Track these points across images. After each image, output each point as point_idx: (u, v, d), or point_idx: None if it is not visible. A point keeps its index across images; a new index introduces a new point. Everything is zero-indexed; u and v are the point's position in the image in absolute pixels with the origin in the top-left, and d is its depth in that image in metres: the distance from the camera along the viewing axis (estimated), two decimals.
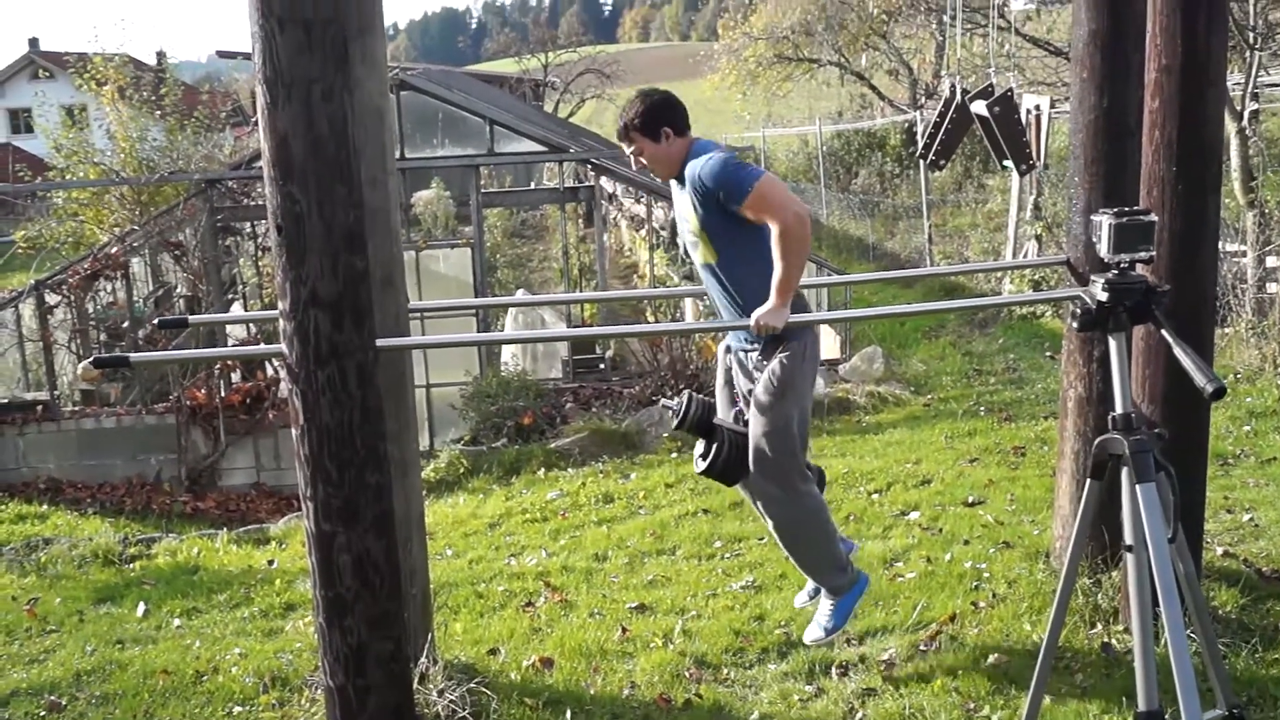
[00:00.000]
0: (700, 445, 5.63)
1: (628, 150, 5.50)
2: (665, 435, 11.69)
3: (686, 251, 5.71)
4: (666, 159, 5.40)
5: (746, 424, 5.47)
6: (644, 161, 5.46)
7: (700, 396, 5.62)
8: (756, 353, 5.45)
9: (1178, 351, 4.00)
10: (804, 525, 5.52)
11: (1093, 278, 4.24)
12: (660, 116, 5.36)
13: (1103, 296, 4.16)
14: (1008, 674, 5.60)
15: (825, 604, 5.77)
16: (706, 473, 5.60)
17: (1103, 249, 4.18)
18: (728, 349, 5.76)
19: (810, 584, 6.08)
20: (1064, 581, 4.32)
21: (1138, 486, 3.94)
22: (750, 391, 5.49)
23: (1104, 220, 4.17)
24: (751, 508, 5.93)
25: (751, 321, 4.99)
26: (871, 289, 18.96)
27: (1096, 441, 4.15)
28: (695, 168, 5.20)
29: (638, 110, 5.38)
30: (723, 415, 5.70)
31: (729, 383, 5.78)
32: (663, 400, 6.00)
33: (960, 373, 13.72)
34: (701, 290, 5.98)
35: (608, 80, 53.65)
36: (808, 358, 5.36)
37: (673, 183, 5.50)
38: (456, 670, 5.94)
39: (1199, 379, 3.91)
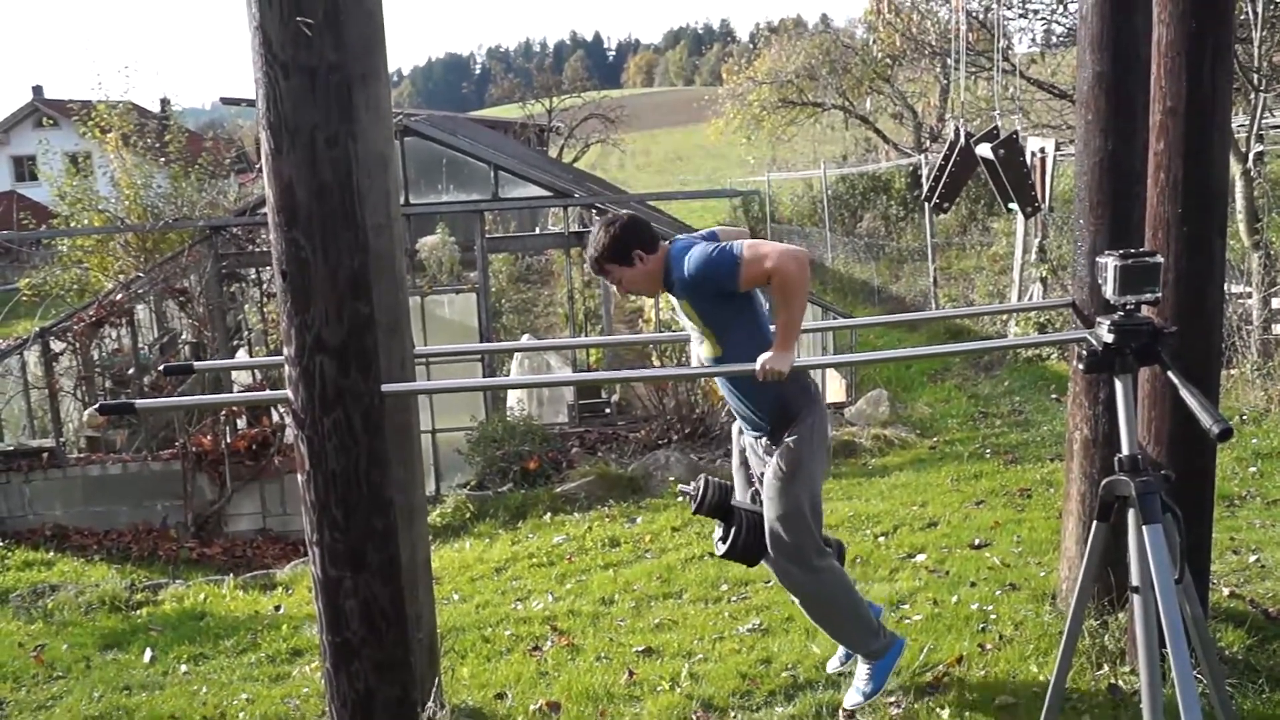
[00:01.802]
0: (719, 529, 5.65)
1: (606, 280, 5.48)
2: (672, 479, 11.68)
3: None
4: (647, 278, 5.37)
5: (763, 504, 5.47)
6: (625, 289, 5.46)
7: (716, 480, 5.64)
8: (765, 439, 5.48)
9: (1184, 393, 4.01)
10: (829, 599, 5.53)
11: (1099, 319, 4.25)
12: (628, 242, 5.30)
13: (1109, 338, 4.17)
14: (1015, 716, 5.59)
15: (862, 669, 5.75)
16: (727, 555, 5.61)
17: (1109, 290, 4.18)
18: (741, 431, 5.78)
19: (841, 650, 6.10)
20: (1071, 623, 4.31)
21: (1144, 528, 3.94)
22: (763, 474, 5.50)
23: (1110, 262, 4.18)
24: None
25: (757, 367, 4.97)
26: (877, 332, 18.96)
27: (1103, 483, 4.15)
28: (681, 272, 5.16)
29: (604, 243, 5.32)
30: (740, 496, 5.72)
31: (744, 463, 5.79)
32: (680, 485, 5.98)
33: (966, 415, 13.71)
34: None
35: (612, 125, 53.76)
36: (815, 437, 5.37)
37: (669, 296, 5.46)
38: (464, 715, 5.94)
39: (1205, 420, 3.91)
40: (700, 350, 5.45)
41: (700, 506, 5.55)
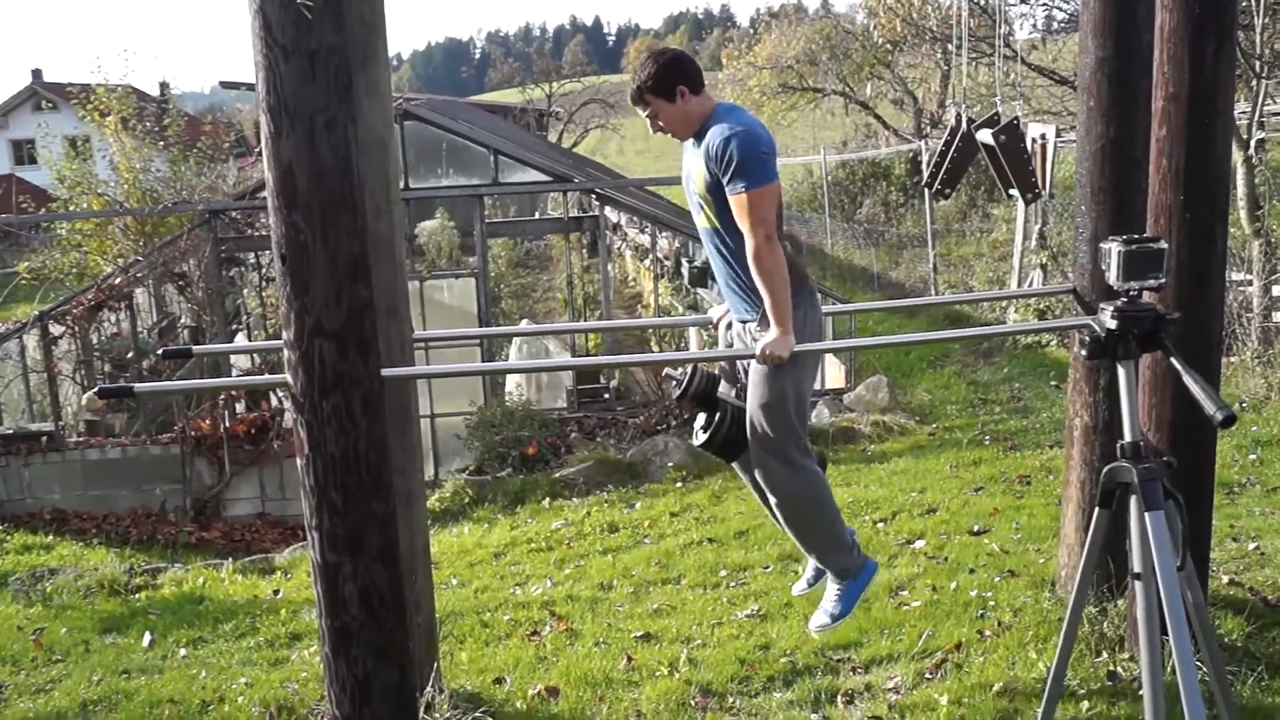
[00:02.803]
0: (701, 418, 5.50)
1: (643, 113, 5.30)
2: (670, 465, 11.68)
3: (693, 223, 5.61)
4: (684, 118, 5.22)
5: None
6: (661, 124, 5.27)
7: (704, 369, 5.51)
8: (755, 323, 5.29)
9: (1187, 379, 3.99)
10: (806, 500, 5.36)
11: (1102, 306, 4.23)
12: (675, 75, 5.16)
13: (1112, 324, 4.15)
14: (1013, 702, 5.58)
15: (832, 588, 5.60)
16: (706, 445, 5.46)
17: (1112, 276, 4.17)
18: (728, 325, 5.67)
19: (810, 569, 5.93)
20: (1072, 610, 4.31)
21: (1147, 515, 3.93)
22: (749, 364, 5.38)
23: (1113, 248, 4.15)
24: (760, 503, 5.83)
25: (757, 351, 4.94)
26: (876, 318, 18.95)
27: (1105, 470, 4.14)
28: (719, 133, 5.02)
29: (651, 71, 5.17)
30: (725, 390, 5.60)
31: (731, 361, 5.70)
32: (666, 370, 5.89)
33: (965, 402, 13.71)
34: (705, 319, 5.96)
35: (611, 110, 53.78)
36: (808, 328, 5.19)
37: (688, 141, 5.32)
38: (462, 699, 5.94)
39: (1209, 407, 3.89)
40: (698, 219, 5.34)
41: (685, 392, 5.41)
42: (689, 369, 5.51)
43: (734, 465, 5.67)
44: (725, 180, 4.98)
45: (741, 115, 5.18)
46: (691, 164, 5.27)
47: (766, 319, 5.09)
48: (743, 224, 4.94)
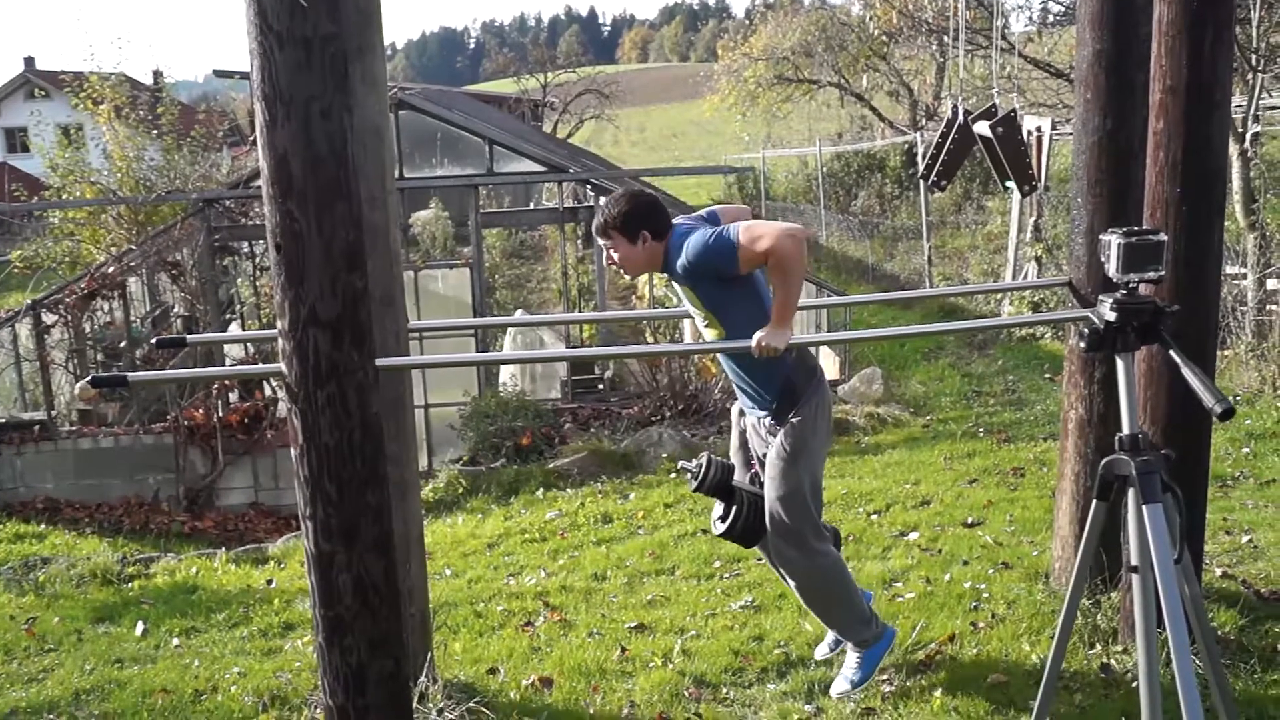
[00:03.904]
0: (719, 507, 5.64)
1: (602, 243, 5.41)
2: (664, 456, 11.68)
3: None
4: (644, 260, 5.32)
5: (763, 485, 5.45)
6: (615, 259, 5.37)
7: (719, 459, 5.63)
8: (769, 418, 5.42)
9: (1186, 372, 3.98)
10: (824, 584, 5.52)
11: (1100, 298, 4.22)
12: (642, 221, 5.24)
13: (1111, 317, 4.14)
14: (1007, 694, 5.58)
15: (851, 657, 5.74)
16: (726, 535, 5.60)
17: (1111, 268, 4.15)
18: (741, 413, 5.75)
19: (830, 636, 6.05)
20: (1068, 602, 4.30)
21: (1144, 508, 3.92)
22: (765, 455, 5.48)
23: (1113, 240, 4.14)
24: (777, 575, 5.93)
25: (753, 343, 4.95)
26: (871, 310, 18.96)
27: (1103, 463, 4.13)
28: (681, 259, 5.11)
29: (621, 210, 5.27)
30: (739, 477, 5.68)
31: (744, 445, 5.76)
32: (681, 462, 5.94)
33: (959, 394, 13.71)
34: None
35: (607, 101, 53.75)
36: (820, 417, 5.35)
37: (672, 283, 5.42)
38: (456, 690, 5.93)
39: (1208, 399, 3.88)
40: (706, 334, 5.41)
41: (702, 485, 5.54)
42: (703, 460, 5.62)
43: (756, 546, 5.77)
44: (725, 267, 5.03)
45: (680, 229, 5.30)
46: (684, 294, 5.38)
47: (781, 414, 5.32)
48: (759, 249, 4.91)
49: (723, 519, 5.58)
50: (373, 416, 4.58)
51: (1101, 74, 5.97)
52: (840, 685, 5.72)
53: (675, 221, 5.39)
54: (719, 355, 5.59)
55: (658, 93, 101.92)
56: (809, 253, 5.26)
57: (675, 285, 5.40)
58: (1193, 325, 5.40)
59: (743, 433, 5.75)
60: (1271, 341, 11.95)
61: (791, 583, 5.59)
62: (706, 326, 5.36)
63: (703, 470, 5.53)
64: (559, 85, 55.83)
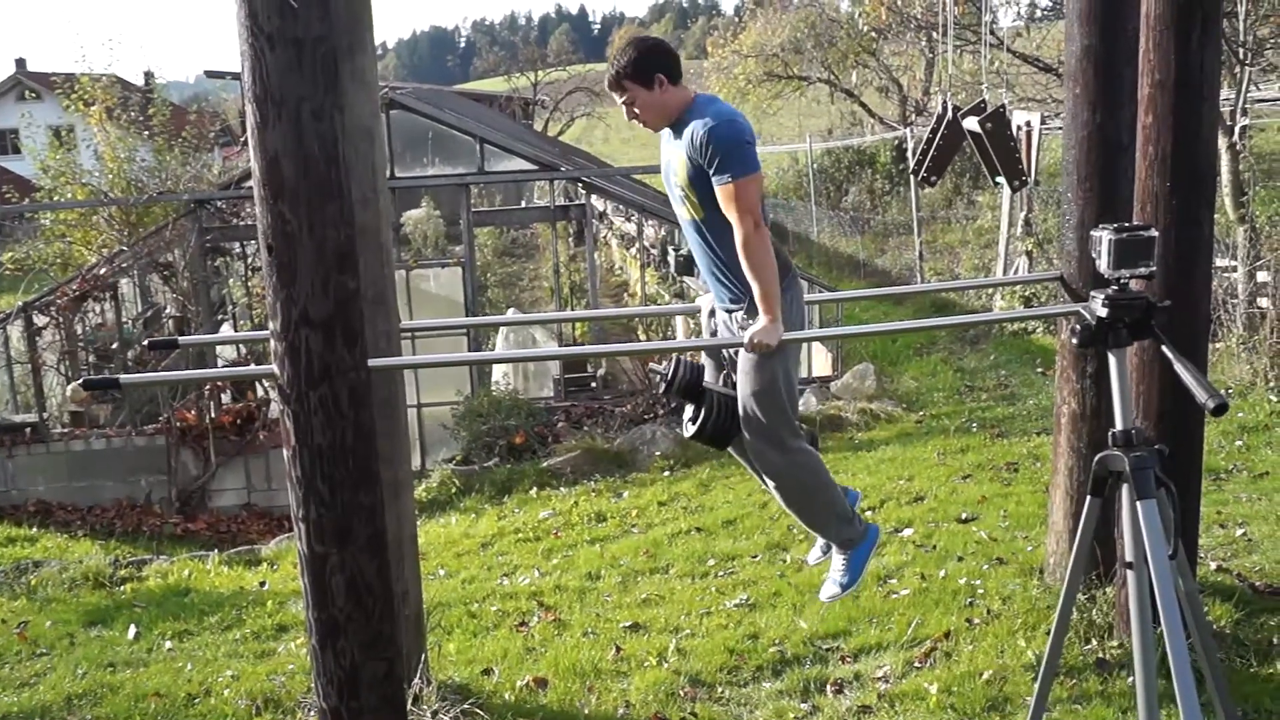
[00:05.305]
0: (689, 409, 5.51)
1: (619, 100, 5.27)
2: (658, 454, 11.67)
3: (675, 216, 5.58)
4: (660, 107, 5.20)
5: (734, 385, 5.37)
6: (636, 111, 5.24)
7: (688, 360, 5.51)
8: (740, 312, 5.27)
9: (1178, 367, 3.99)
10: (803, 481, 5.43)
11: (1092, 294, 4.22)
12: (654, 63, 5.14)
13: (1102, 312, 4.14)
14: (1002, 690, 5.59)
15: (838, 559, 5.68)
16: (696, 437, 5.48)
17: (1103, 264, 4.16)
18: (711, 313, 5.65)
19: (820, 540, 5.99)
20: (1064, 598, 4.30)
21: (1139, 503, 3.92)
22: (736, 352, 5.38)
23: (1104, 235, 4.14)
24: (755, 478, 5.82)
25: (746, 339, 4.93)
26: (862, 306, 18.94)
27: (1097, 458, 4.13)
28: (702, 124, 5.00)
29: (630, 57, 5.15)
30: (710, 379, 5.60)
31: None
32: (650, 364, 5.87)
33: (952, 389, 13.71)
34: (693, 308, 5.94)
35: (597, 98, 53.67)
36: (793, 311, 5.22)
37: (665, 131, 5.30)
38: (450, 691, 5.93)
39: (1200, 394, 3.89)
40: (680, 211, 5.33)
41: (670, 386, 5.40)
42: (672, 361, 5.49)
43: (729, 449, 5.67)
44: (711, 170, 4.96)
45: (721, 106, 5.17)
46: (671, 155, 5.26)
47: (754, 307, 5.09)
48: (730, 213, 4.93)
49: (693, 420, 5.46)
50: (365, 417, 4.57)
51: (1091, 69, 5.98)
52: (829, 589, 5.68)
53: (703, 94, 5.31)
54: (693, 243, 5.44)
55: None
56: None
57: (665, 141, 5.31)
58: (1184, 319, 5.40)
59: (713, 332, 5.62)
60: (1262, 334, 11.96)
61: (770, 484, 5.48)
62: (681, 200, 5.26)
63: (671, 371, 5.40)
64: (550, 83, 55.86)
